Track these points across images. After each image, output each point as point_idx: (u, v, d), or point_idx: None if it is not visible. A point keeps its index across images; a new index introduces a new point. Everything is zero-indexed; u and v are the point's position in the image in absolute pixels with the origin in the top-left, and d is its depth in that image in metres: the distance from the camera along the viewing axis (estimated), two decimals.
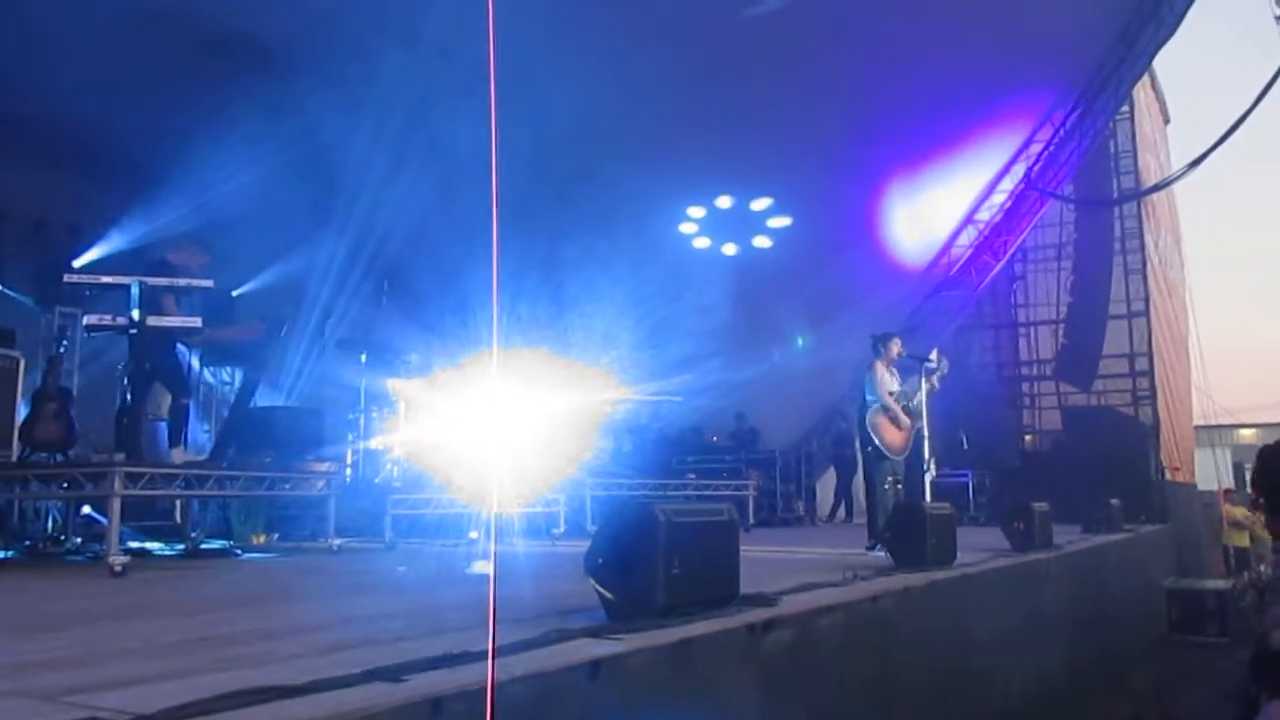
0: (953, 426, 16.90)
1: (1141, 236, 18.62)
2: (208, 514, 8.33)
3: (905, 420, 8.48)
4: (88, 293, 7.87)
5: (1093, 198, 19.17)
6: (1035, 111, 15.85)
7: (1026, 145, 16.35)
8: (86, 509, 7.54)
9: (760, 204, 14.69)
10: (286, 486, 7.49)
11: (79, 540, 7.27)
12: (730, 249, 14.94)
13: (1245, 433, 29.30)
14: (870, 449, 8.43)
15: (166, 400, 7.75)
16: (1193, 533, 17.79)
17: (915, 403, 8.58)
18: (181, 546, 7.39)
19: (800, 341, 15.47)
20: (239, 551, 7.48)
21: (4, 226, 9.90)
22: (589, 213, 12.20)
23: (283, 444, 8.86)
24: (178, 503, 7.93)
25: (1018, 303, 20.58)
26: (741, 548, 4.06)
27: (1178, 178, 16.24)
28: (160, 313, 6.94)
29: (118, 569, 5.47)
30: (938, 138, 14.09)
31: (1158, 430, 17.55)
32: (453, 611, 3.90)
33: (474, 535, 7.96)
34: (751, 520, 12.18)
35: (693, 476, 13.05)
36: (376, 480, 9.26)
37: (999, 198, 16.89)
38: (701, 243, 14.98)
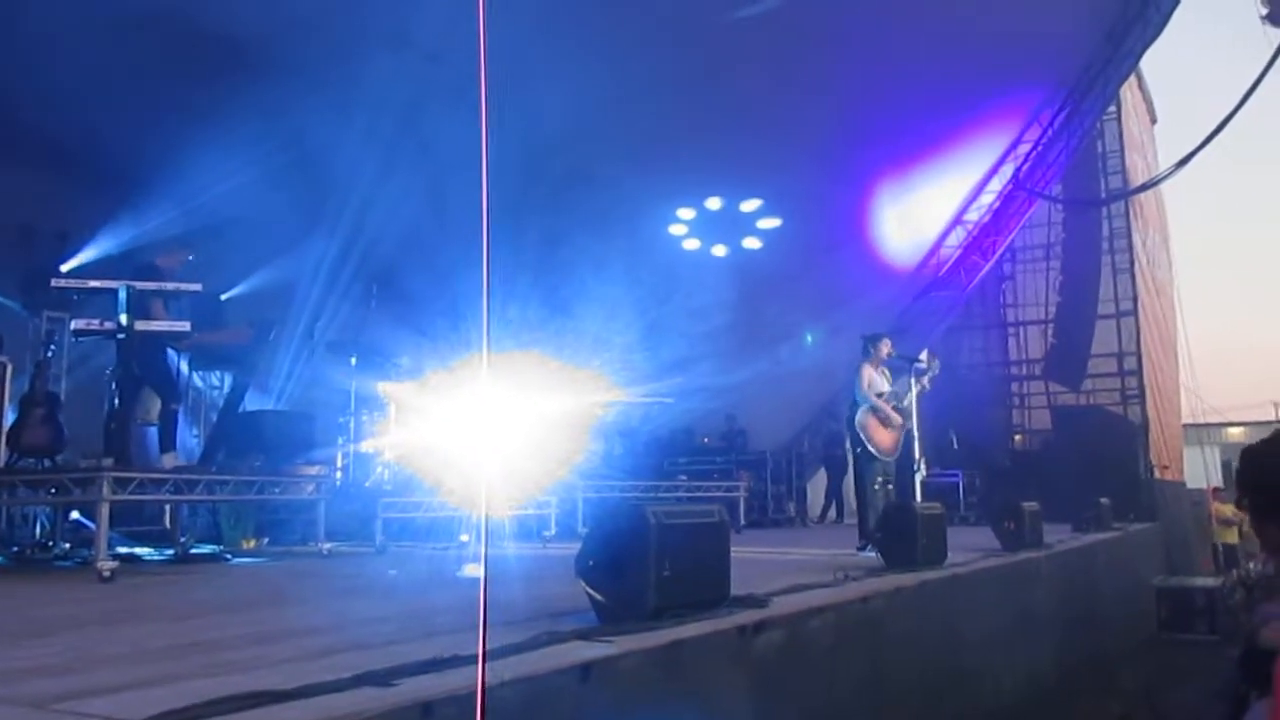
0: (943, 427, 16.99)
1: (1129, 236, 18.71)
2: (197, 519, 8.30)
3: (896, 419, 8.50)
4: (75, 297, 7.84)
5: (1081, 198, 19.25)
6: (1023, 112, 15.90)
7: (1014, 146, 16.40)
8: (75, 514, 7.50)
9: (750, 205, 14.69)
10: (276, 490, 7.48)
11: (67, 546, 7.22)
12: (720, 250, 14.94)
13: (1233, 431, 29.47)
14: (860, 450, 8.44)
15: (156, 405, 7.72)
16: (1182, 531, 17.89)
17: (905, 403, 8.60)
18: (171, 551, 7.35)
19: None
20: (229, 556, 7.45)
21: None
22: (579, 215, 12.19)
23: (272, 448, 8.82)
24: (167, 508, 7.90)
25: (1007, 303, 20.67)
26: (732, 549, 4.07)
27: (1165, 177, 16.33)
28: (148, 317, 6.91)
29: (106, 574, 5.45)
30: (926, 138, 14.12)
31: (1147, 429, 17.63)
32: (443, 615, 3.89)
33: (465, 538, 7.96)
34: (742, 521, 12.18)
35: (684, 478, 13.05)
36: (367, 484, 9.25)
37: (987, 198, 16.94)
38: (691, 244, 14.98)
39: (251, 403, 10.33)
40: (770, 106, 12.24)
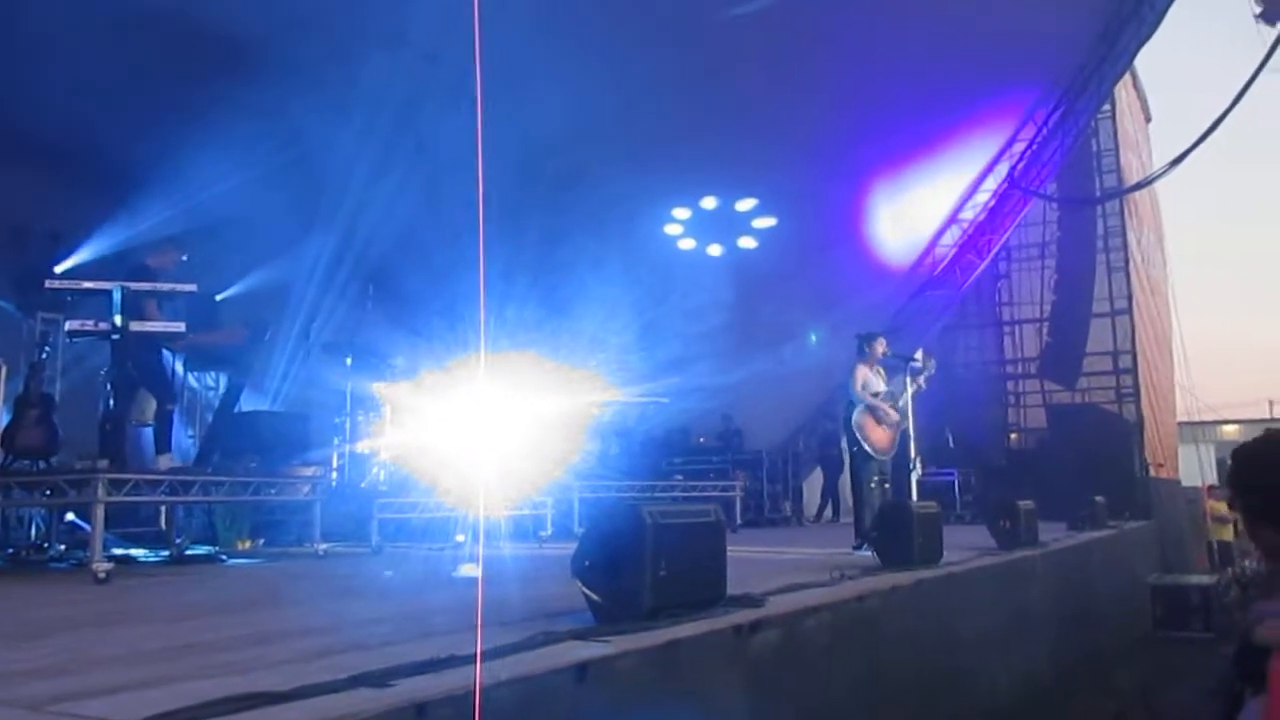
0: (938, 425, 16.97)
1: (1124, 235, 18.73)
2: (193, 520, 8.28)
3: (894, 416, 8.51)
4: (69, 298, 7.82)
5: (1075, 196, 19.27)
6: (1018, 111, 15.93)
7: (1010, 144, 16.42)
8: (70, 516, 7.49)
9: (745, 204, 14.70)
10: (272, 491, 7.47)
11: (62, 547, 7.22)
12: (716, 250, 14.95)
13: (1228, 429, 29.57)
14: (856, 449, 8.45)
15: (151, 406, 7.71)
16: (1177, 529, 17.91)
17: (901, 402, 8.61)
18: (166, 553, 7.34)
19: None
20: (224, 557, 7.44)
21: None
22: (575, 215, 12.19)
23: (268, 449, 8.82)
24: (162, 509, 7.89)
25: (1002, 301, 20.66)
26: (728, 548, 4.07)
27: (1159, 176, 16.36)
28: (142, 318, 6.90)
29: (102, 576, 5.44)
30: (921, 137, 14.14)
31: (1142, 427, 17.65)
32: (440, 615, 3.89)
33: (461, 538, 7.95)
34: (738, 521, 12.19)
35: (680, 478, 13.05)
36: (363, 484, 9.23)
37: (983, 197, 16.96)
38: (687, 244, 14.99)
39: (247, 403, 10.33)
40: (766, 106, 12.25)
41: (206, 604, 4.89)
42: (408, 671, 2.57)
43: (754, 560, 6.82)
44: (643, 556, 3.46)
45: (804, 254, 14.78)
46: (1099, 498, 11.59)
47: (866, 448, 8.36)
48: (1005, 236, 17.51)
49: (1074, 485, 12.48)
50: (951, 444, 17.54)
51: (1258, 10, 11.93)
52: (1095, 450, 16.07)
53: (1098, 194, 19.10)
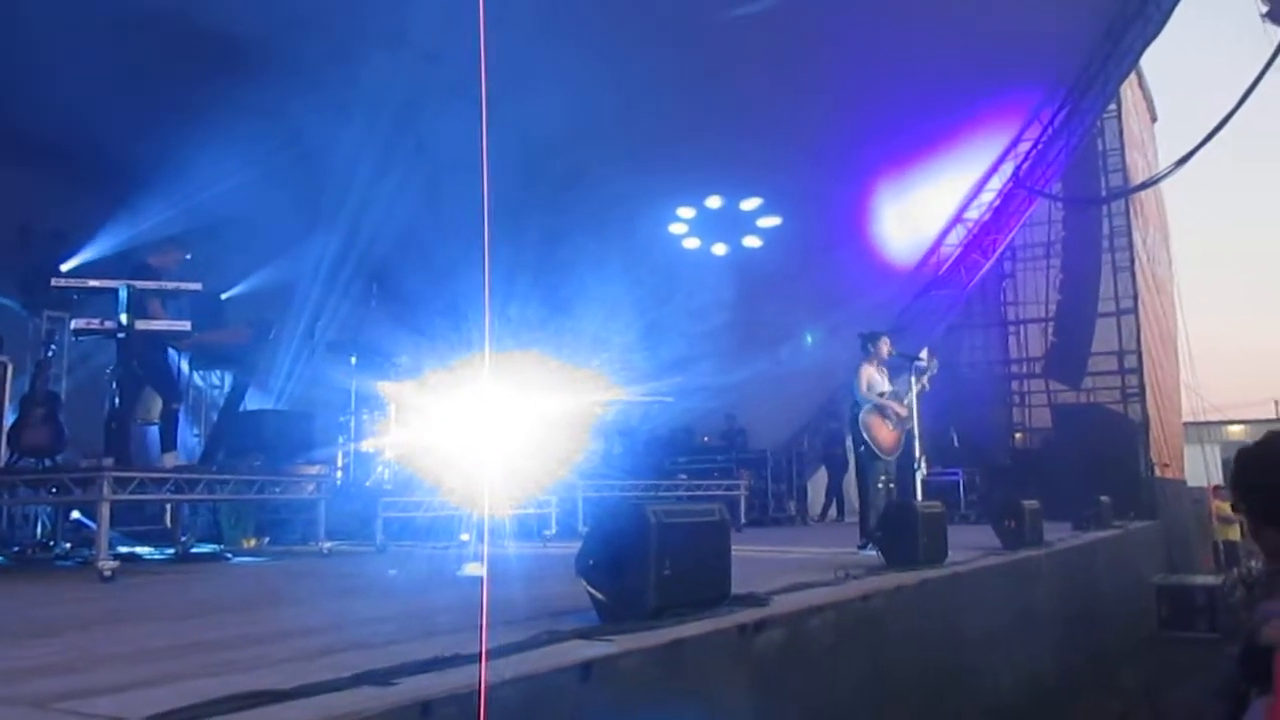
0: (943, 425, 16.98)
1: (1130, 234, 18.69)
2: (198, 518, 8.30)
3: (903, 413, 8.50)
4: (75, 297, 7.84)
5: (1081, 196, 19.23)
6: (1023, 110, 15.89)
7: (1015, 144, 16.39)
8: (75, 514, 7.51)
9: (750, 204, 14.69)
10: (277, 490, 7.48)
11: (68, 545, 7.24)
12: (720, 249, 14.94)
13: (1234, 429, 29.49)
14: (863, 448, 8.44)
15: (157, 405, 7.73)
16: (1182, 529, 17.89)
17: (905, 402, 8.60)
18: (171, 551, 7.36)
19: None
20: (229, 555, 7.46)
21: None
22: (579, 214, 12.19)
23: (273, 447, 8.83)
24: (167, 507, 7.90)
25: (1007, 301, 20.64)
26: (733, 548, 4.06)
27: (1165, 175, 16.32)
28: (147, 316, 6.91)
29: (107, 574, 5.45)
30: (926, 137, 14.11)
31: (1147, 427, 17.62)
32: (444, 614, 3.89)
33: (465, 537, 7.95)
34: (743, 520, 12.19)
35: (684, 477, 13.05)
36: (367, 483, 9.25)
37: (988, 196, 16.93)
38: (691, 243, 14.98)
39: (252, 402, 10.35)
40: (769, 106, 12.24)
41: (211, 602, 4.90)
42: (412, 670, 2.57)
43: (758, 559, 6.81)
44: (647, 556, 3.46)
45: (808, 253, 14.76)
46: (1104, 498, 11.56)
47: (873, 447, 8.35)
48: (1010, 236, 17.47)
49: (1079, 485, 12.46)
50: (956, 444, 17.54)
51: (1264, 10, 11.91)
52: (1100, 450, 16.06)
53: (1103, 193, 19.07)
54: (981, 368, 20.41)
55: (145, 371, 7.19)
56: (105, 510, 5.71)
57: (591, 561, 3.56)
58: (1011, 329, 20.55)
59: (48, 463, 7.27)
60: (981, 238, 17.03)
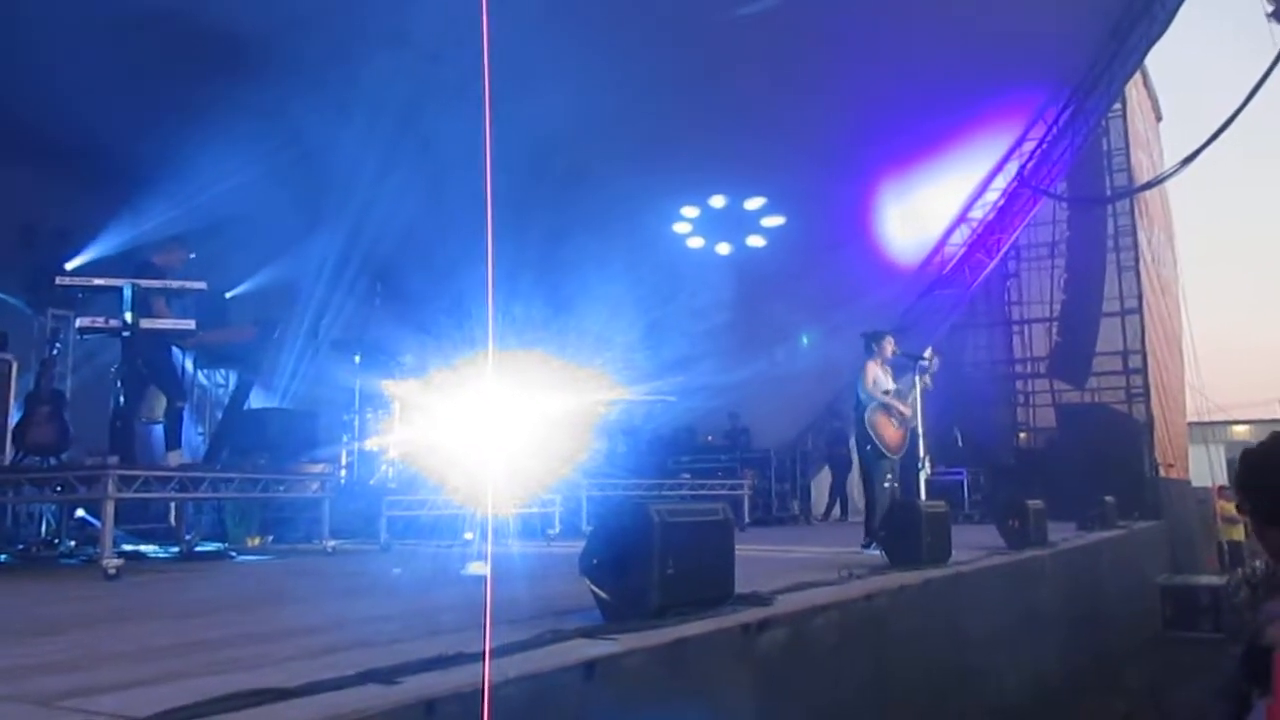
0: (947, 424, 16.95)
1: (1134, 234, 18.68)
2: (202, 516, 8.32)
3: (908, 413, 8.49)
4: (80, 295, 7.86)
5: (1086, 195, 19.21)
6: (1028, 109, 15.85)
7: (1019, 143, 16.35)
8: (80, 512, 7.52)
9: (754, 203, 14.68)
10: (281, 488, 7.49)
11: (73, 544, 7.24)
12: (724, 248, 14.93)
13: (1239, 429, 29.46)
14: (869, 447, 8.42)
15: (161, 403, 7.73)
16: (1186, 529, 17.86)
17: (909, 400, 8.59)
18: (176, 549, 7.37)
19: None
20: (234, 554, 7.47)
21: None
22: (583, 213, 12.18)
23: (277, 446, 8.85)
24: (172, 505, 7.92)
25: (1011, 300, 20.62)
26: (736, 547, 4.06)
27: (1170, 175, 16.31)
28: (152, 315, 6.92)
29: (112, 572, 5.46)
30: (930, 136, 14.09)
31: (1151, 427, 17.61)
32: (448, 613, 3.90)
33: (469, 536, 7.95)
34: (746, 519, 12.19)
35: (687, 476, 13.05)
36: (371, 482, 9.25)
37: (992, 196, 16.89)
38: (695, 242, 14.97)
39: (256, 401, 10.37)
40: (772, 106, 12.23)
41: (216, 600, 4.91)
42: (416, 668, 2.57)
43: (762, 559, 6.81)
44: (650, 555, 3.46)
45: (812, 253, 14.74)
46: (1108, 498, 11.55)
47: (880, 446, 8.33)
48: (1015, 235, 17.44)
49: (1083, 485, 12.44)
50: (960, 443, 17.51)
51: (1269, 9, 11.88)
52: (1105, 450, 16.04)
53: (1108, 193, 19.04)
54: (986, 367, 20.39)
55: (150, 370, 7.20)
56: (110, 508, 5.72)
57: (595, 560, 3.56)
58: (1016, 329, 20.53)
59: (53, 461, 7.30)
60: (986, 237, 17.00)
